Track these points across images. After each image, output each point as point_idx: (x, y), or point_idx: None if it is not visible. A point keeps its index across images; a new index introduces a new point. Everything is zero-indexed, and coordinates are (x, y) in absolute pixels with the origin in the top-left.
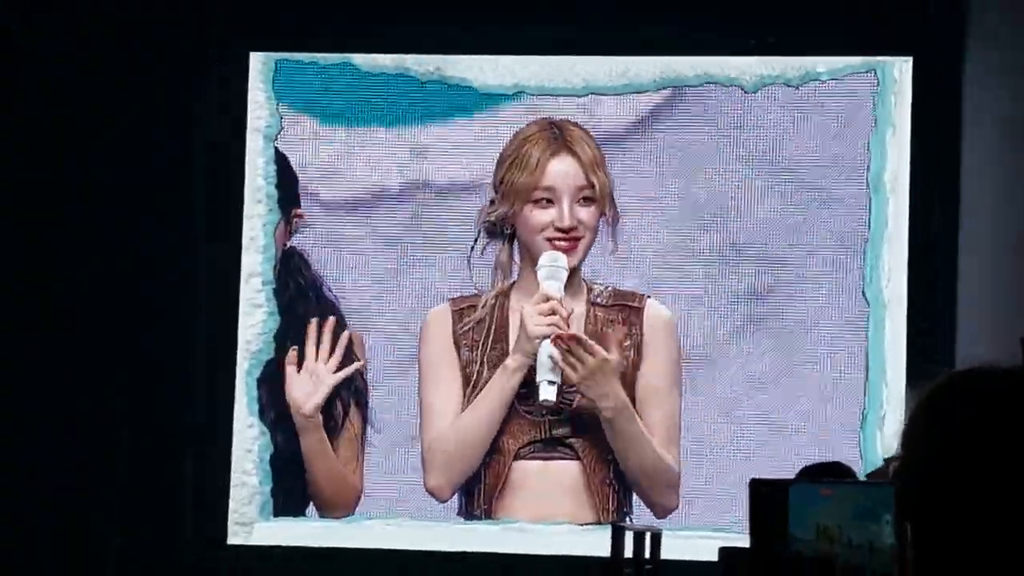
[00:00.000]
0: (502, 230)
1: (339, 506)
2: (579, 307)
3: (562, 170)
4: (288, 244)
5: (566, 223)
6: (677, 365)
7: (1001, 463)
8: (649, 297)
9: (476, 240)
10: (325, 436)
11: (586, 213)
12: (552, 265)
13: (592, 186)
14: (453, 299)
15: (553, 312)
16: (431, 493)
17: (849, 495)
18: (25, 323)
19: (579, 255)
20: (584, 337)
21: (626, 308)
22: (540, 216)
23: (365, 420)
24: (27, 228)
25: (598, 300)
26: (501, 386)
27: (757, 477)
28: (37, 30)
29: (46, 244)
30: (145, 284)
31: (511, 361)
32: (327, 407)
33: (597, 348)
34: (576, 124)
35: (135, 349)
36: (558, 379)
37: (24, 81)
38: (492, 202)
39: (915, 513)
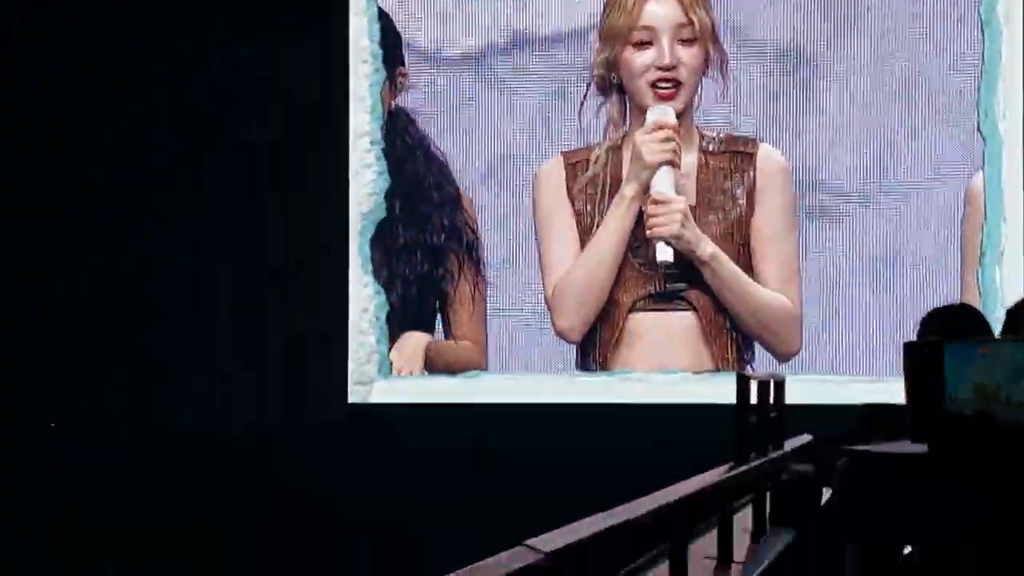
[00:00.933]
0: (610, 82)
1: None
2: (691, 156)
3: (660, 8)
4: (394, 104)
5: (666, 60)
6: (791, 209)
7: None
8: (762, 142)
9: (587, 93)
10: None
11: (687, 54)
12: (661, 115)
13: (691, 23)
14: (565, 152)
15: (669, 139)
16: (561, 335)
17: (1007, 353)
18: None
19: (682, 99)
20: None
21: (738, 155)
22: (640, 58)
23: (478, 274)
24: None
25: (709, 148)
26: (620, 216)
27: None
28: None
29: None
30: (250, 152)
31: (627, 190)
32: (440, 270)
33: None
34: None
35: (256, 212)
36: (671, 189)
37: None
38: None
39: None
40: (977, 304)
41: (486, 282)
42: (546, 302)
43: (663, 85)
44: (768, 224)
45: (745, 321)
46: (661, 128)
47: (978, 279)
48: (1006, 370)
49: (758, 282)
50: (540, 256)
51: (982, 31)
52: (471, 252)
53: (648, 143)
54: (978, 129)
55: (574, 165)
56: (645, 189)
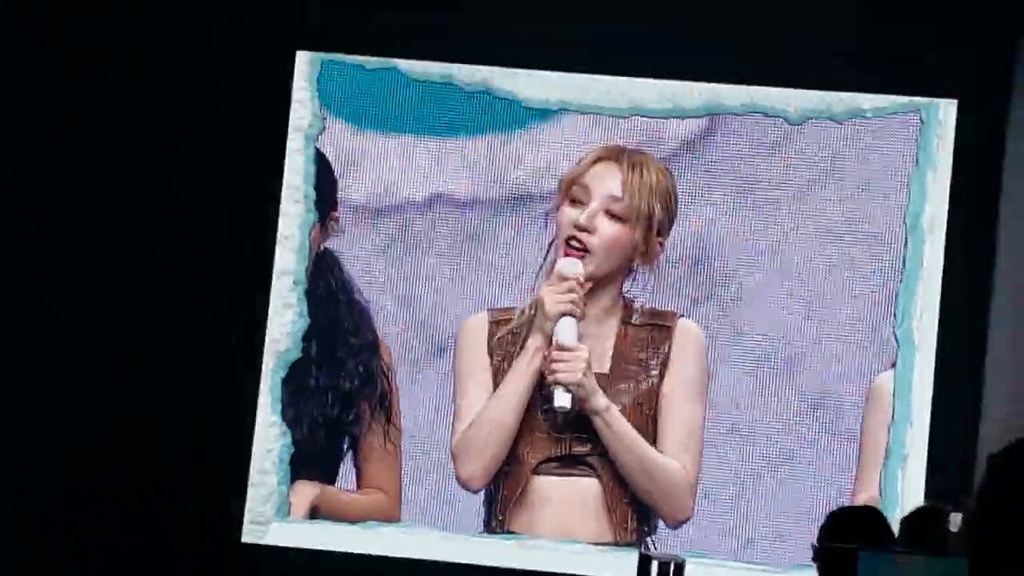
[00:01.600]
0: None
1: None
2: (611, 325)
3: (602, 173)
4: (323, 246)
5: (582, 221)
6: (700, 378)
7: None
8: (682, 316)
9: (549, 248)
10: None
11: (609, 227)
12: (565, 266)
13: (622, 201)
14: (491, 309)
15: (571, 291)
16: (464, 484)
17: (923, 567)
18: (48, 321)
19: (589, 266)
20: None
21: (657, 327)
22: (569, 213)
23: (388, 423)
24: (57, 225)
25: (631, 319)
26: (524, 367)
27: (820, 543)
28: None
29: (75, 241)
30: (174, 279)
31: (531, 341)
32: (351, 415)
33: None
34: (655, 161)
35: (163, 344)
36: (573, 338)
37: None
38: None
39: None
40: (876, 504)
41: (399, 431)
42: (451, 451)
43: (574, 243)
44: (675, 390)
45: (636, 480)
46: (564, 279)
47: (880, 478)
48: None
49: (658, 444)
50: (454, 407)
51: (906, 237)
52: (383, 401)
53: (550, 293)
54: (893, 332)
55: (497, 322)
56: (549, 340)
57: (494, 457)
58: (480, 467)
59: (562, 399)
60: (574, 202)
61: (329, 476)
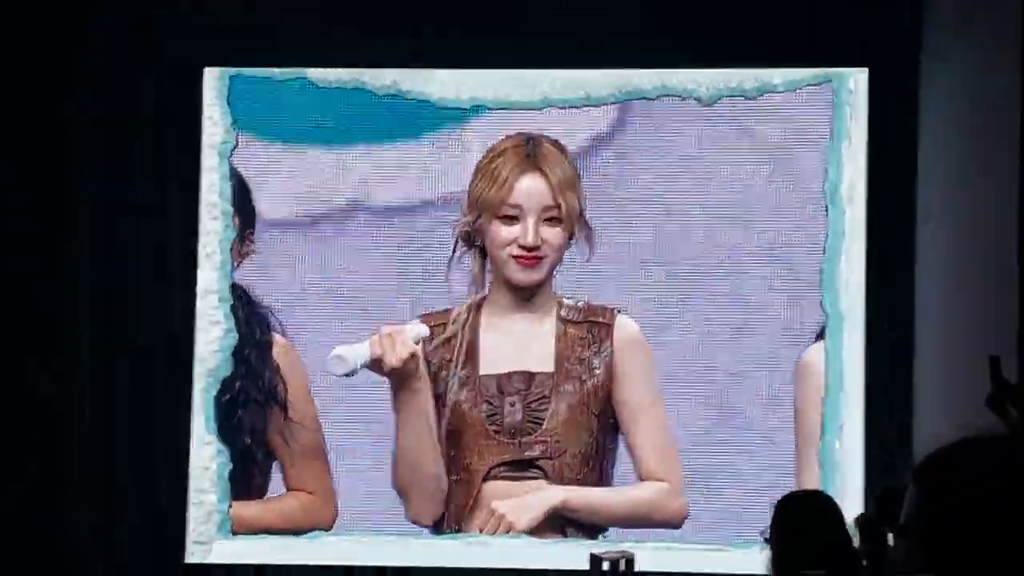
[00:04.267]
0: (472, 243)
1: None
2: (548, 323)
3: (530, 188)
4: (238, 264)
5: (529, 241)
6: (653, 378)
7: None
8: (619, 312)
9: (454, 250)
10: None
11: (551, 232)
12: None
13: (558, 207)
14: (424, 315)
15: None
16: (414, 522)
17: None
18: None
19: (542, 273)
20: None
21: (596, 325)
22: (506, 232)
23: (287, 419)
24: None
25: (569, 316)
26: (407, 410)
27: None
28: None
29: None
30: (99, 302)
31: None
32: (257, 421)
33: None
34: (554, 142)
35: (90, 368)
36: (349, 358)
37: None
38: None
39: None
40: (816, 478)
41: (313, 429)
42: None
43: (525, 260)
44: (631, 396)
45: (633, 524)
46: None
47: (819, 454)
48: None
49: (637, 459)
50: (395, 419)
51: (826, 208)
52: (275, 398)
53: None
54: (820, 304)
55: (432, 329)
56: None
57: (430, 496)
58: (423, 508)
59: (417, 329)
60: (506, 219)
61: (260, 489)
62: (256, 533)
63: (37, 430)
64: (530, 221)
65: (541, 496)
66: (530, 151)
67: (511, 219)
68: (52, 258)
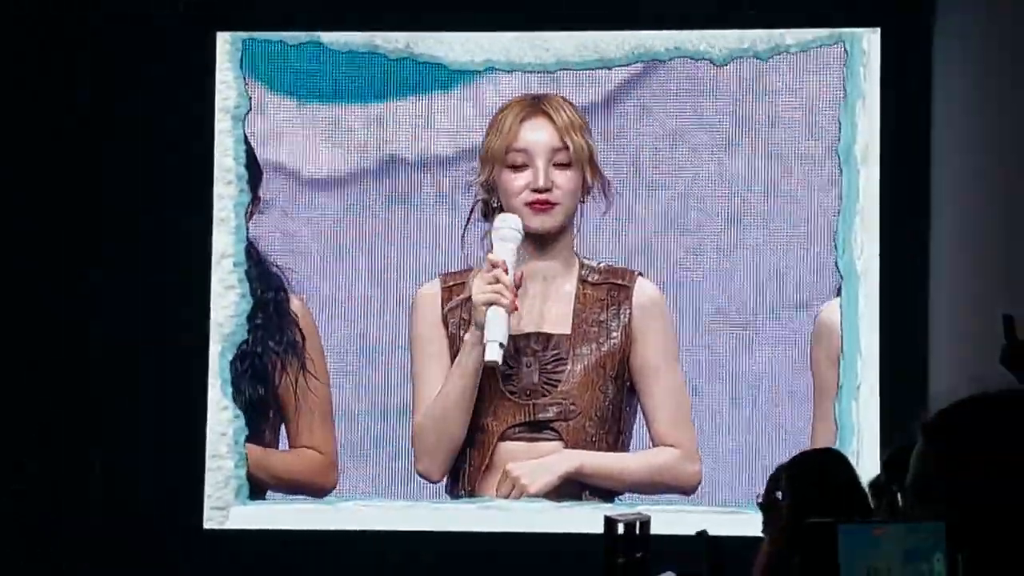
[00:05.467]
0: (491, 206)
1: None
2: (569, 284)
3: (535, 131)
4: (250, 225)
5: (540, 183)
6: (671, 342)
7: None
8: (640, 275)
9: (470, 214)
10: None
11: (563, 177)
12: (503, 227)
13: (566, 148)
14: (443, 275)
15: (496, 280)
16: (422, 476)
17: (900, 535)
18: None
19: (556, 219)
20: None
21: (615, 287)
22: (516, 180)
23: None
24: None
25: (588, 277)
26: (463, 363)
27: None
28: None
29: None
30: (115, 269)
31: (469, 335)
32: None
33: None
34: (560, 96)
35: (106, 334)
36: (505, 340)
37: None
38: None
39: (971, 542)
40: (832, 435)
41: (324, 383)
42: (411, 440)
43: (539, 205)
44: (647, 362)
45: (648, 489)
46: (492, 267)
47: (835, 410)
48: (898, 553)
49: (651, 422)
50: (413, 383)
51: (840, 169)
52: (294, 349)
53: (478, 283)
54: (835, 264)
55: (451, 288)
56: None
57: (446, 453)
58: (434, 464)
59: (493, 353)
60: (515, 167)
61: (270, 442)
62: (274, 484)
63: (53, 397)
64: (539, 163)
65: (555, 460)
66: (535, 101)
67: (521, 167)
68: (67, 235)
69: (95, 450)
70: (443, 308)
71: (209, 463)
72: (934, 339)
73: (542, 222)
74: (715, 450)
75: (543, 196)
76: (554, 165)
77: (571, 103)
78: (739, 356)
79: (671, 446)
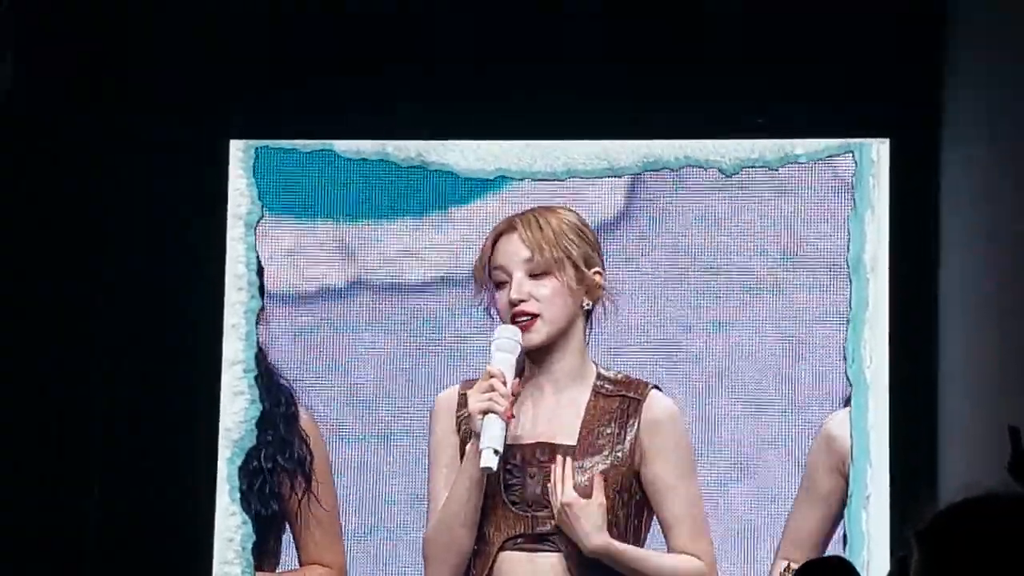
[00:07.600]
0: (494, 318)
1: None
2: (581, 394)
3: (507, 245)
4: (259, 338)
5: (513, 295)
6: (685, 457)
7: None
8: (656, 387)
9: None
10: None
11: (540, 288)
12: (501, 338)
13: (532, 258)
14: (464, 382)
15: (492, 388)
16: None
17: None
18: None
19: (541, 334)
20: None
21: (626, 399)
22: (502, 297)
23: (308, 489)
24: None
25: (602, 389)
26: (466, 471)
27: None
28: None
29: (20, 333)
30: (123, 372)
31: (470, 445)
32: (277, 490)
33: (560, 491)
34: (548, 208)
35: (114, 439)
36: (501, 447)
37: None
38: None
39: None
40: (841, 548)
41: (333, 498)
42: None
43: (520, 319)
44: (660, 479)
45: None
46: (489, 376)
47: (845, 519)
48: None
49: (670, 536)
50: (427, 489)
51: (849, 279)
52: (302, 467)
53: (473, 392)
54: (845, 374)
55: (466, 395)
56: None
57: (453, 564)
58: (441, 574)
59: (487, 460)
60: (499, 284)
61: (275, 559)
62: None
63: (61, 504)
64: (515, 277)
65: (588, 530)
66: (513, 216)
67: (503, 284)
68: (74, 340)
69: (97, 549)
70: (457, 412)
71: (216, 569)
72: (943, 448)
73: (528, 338)
74: (729, 557)
75: (518, 308)
76: (530, 276)
77: (560, 211)
78: (748, 465)
79: (692, 555)
